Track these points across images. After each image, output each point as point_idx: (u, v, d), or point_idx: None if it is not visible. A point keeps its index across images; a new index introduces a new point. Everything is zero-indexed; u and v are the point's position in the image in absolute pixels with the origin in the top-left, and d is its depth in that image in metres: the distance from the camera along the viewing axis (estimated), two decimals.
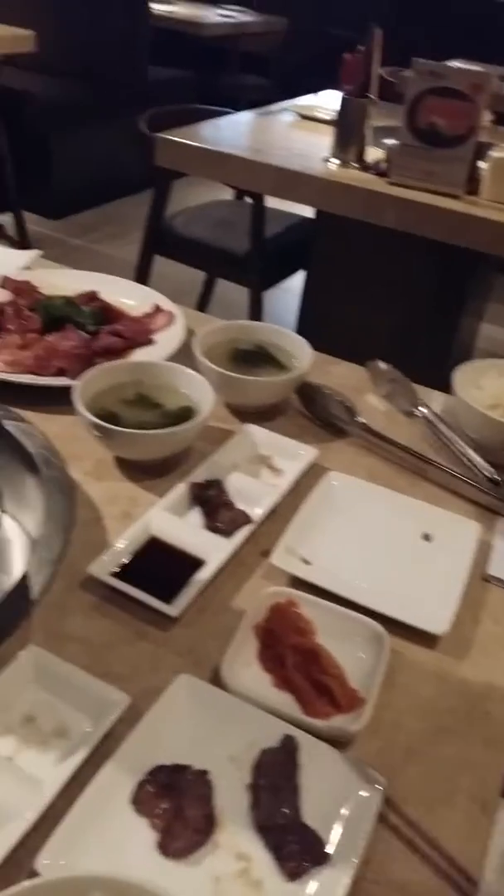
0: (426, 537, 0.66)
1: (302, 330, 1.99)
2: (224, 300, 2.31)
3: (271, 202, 1.81)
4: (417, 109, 1.45)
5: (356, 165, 1.58)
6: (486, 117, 1.52)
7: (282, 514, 0.65)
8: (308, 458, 0.72)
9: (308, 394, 0.81)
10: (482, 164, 1.51)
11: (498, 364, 0.83)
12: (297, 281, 2.00)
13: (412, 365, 0.89)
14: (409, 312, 1.75)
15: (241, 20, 4.34)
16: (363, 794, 0.44)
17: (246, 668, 0.52)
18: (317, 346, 0.89)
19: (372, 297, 1.77)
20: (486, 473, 0.73)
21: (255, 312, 1.89)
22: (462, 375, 0.80)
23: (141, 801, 0.42)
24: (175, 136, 1.63)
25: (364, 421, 0.79)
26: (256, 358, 0.83)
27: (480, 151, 1.49)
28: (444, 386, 0.83)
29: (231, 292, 2.08)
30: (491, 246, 1.47)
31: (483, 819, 0.46)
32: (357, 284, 1.80)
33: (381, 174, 1.54)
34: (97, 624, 0.54)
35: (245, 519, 0.63)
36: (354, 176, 1.55)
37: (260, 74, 4.21)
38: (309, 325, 1.87)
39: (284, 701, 0.50)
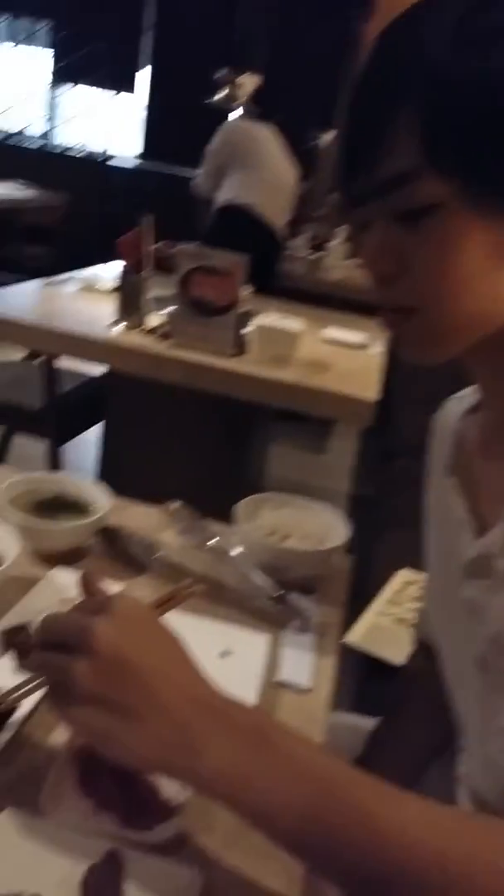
0: (223, 654, 0.76)
1: (102, 477, 2.08)
2: (22, 454, 2.35)
3: (65, 360, 1.95)
4: (187, 284, 1.71)
5: (139, 330, 1.79)
6: (246, 290, 1.83)
7: None
8: None
9: (109, 536, 0.91)
10: (247, 329, 1.80)
11: (271, 497, 1.00)
12: (95, 432, 2.12)
13: (210, 503, 1.02)
14: (202, 456, 1.95)
15: (20, 196, 4.69)
16: (181, 890, 0.50)
17: (65, 798, 0.56)
18: (117, 491, 1.00)
19: (166, 444, 1.95)
20: (270, 592, 0.86)
21: (54, 464, 1.96)
22: (243, 509, 0.95)
23: None
24: None
25: (162, 556, 0.90)
26: (57, 506, 0.91)
27: (243, 319, 1.79)
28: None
29: (29, 446, 2.14)
30: (260, 397, 1.73)
31: (291, 891, 0.54)
32: (151, 434, 1.97)
33: (163, 337, 1.76)
34: None
35: None
36: (138, 339, 1.75)
37: (43, 245, 4.52)
38: (110, 474, 1.98)
39: (106, 820, 0.55)
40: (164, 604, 0.54)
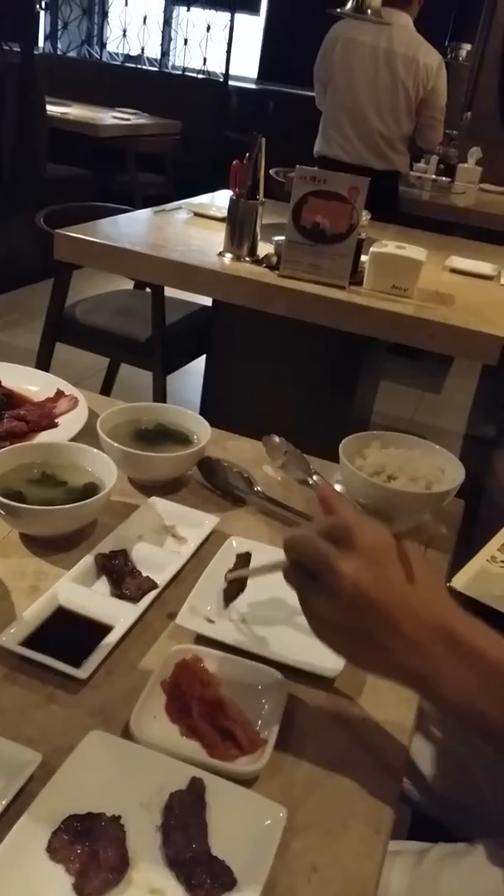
0: None
1: (206, 410, 2.10)
2: (128, 384, 2.40)
3: (171, 291, 1.95)
4: (302, 210, 1.64)
5: (248, 260, 1.75)
6: (365, 216, 1.74)
7: (187, 578, 0.72)
8: (210, 525, 0.80)
9: (208, 467, 0.90)
10: (364, 258, 1.71)
11: (379, 436, 0.95)
12: (199, 364, 2.12)
13: (312, 439, 0.98)
14: (307, 391, 1.91)
15: (135, 122, 4.68)
16: (266, 824, 0.50)
17: (154, 720, 0.57)
18: (220, 424, 0.99)
19: (271, 377, 1.92)
20: None
21: (160, 395, 1.99)
22: (347, 446, 0.91)
23: (56, 849, 0.46)
24: (74, 233, 1.75)
25: (262, 490, 0.88)
26: (158, 436, 0.91)
27: (361, 247, 1.70)
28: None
29: (135, 376, 2.18)
30: (374, 331, 1.65)
31: (377, 839, 0.52)
32: (255, 366, 1.95)
33: (272, 267, 1.71)
34: (7, 692, 0.58)
35: (150, 585, 0.70)
36: (247, 269, 1.71)
37: (156, 173, 4.52)
38: (212, 406, 1.99)
39: (192, 747, 0.56)
40: (411, 535, 0.53)
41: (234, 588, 0.67)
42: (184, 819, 0.49)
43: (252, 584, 0.71)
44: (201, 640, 0.66)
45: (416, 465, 0.90)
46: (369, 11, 2.59)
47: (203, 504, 0.86)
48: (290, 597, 0.70)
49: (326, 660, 0.63)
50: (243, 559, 0.68)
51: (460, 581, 1.19)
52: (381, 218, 2.18)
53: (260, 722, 0.58)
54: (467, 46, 3.79)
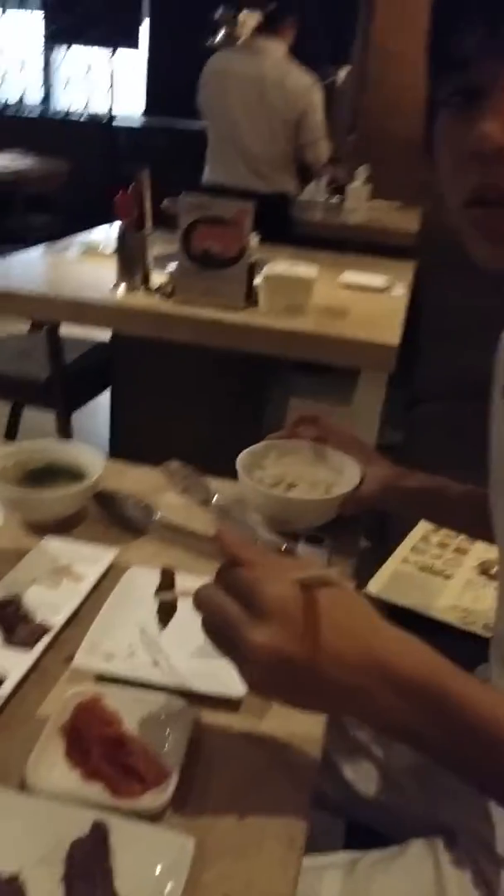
0: None
1: (114, 443, 2.07)
2: (34, 426, 2.36)
3: (69, 330, 1.93)
4: (191, 237, 1.66)
5: (142, 290, 1.75)
6: (254, 239, 1.77)
7: (85, 617, 0.70)
8: (108, 559, 0.78)
9: (105, 499, 0.89)
10: (257, 280, 1.74)
11: (276, 445, 0.96)
12: (106, 398, 2.10)
13: (226, 461, 0.98)
14: (216, 414, 1.92)
15: (20, 167, 4.64)
16: (171, 858, 0.48)
17: (52, 768, 0.55)
18: (131, 455, 0.98)
19: (178, 404, 1.93)
20: (277, 545, 0.84)
21: (64, 434, 1.96)
22: (245, 459, 0.91)
23: None
24: None
25: (164, 516, 0.87)
26: (50, 474, 0.89)
27: (253, 270, 1.73)
28: None
29: (40, 418, 2.14)
30: (275, 349, 1.69)
31: (291, 854, 0.52)
32: (161, 395, 1.95)
33: (168, 296, 1.72)
34: None
35: (44, 629, 0.67)
36: (142, 300, 1.72)
37: (46, 212, 4.49)
38: (122, 438, 1.97)
39: (94, 791, 0.54)
40: (314, 585, 0.51)
41: (166, 608, 0.63)
42: (86, 867, 0.47)
43: (152, 613, 0.70)
44: (102, 678, 0.64)
45: (313, 470, 0.92)
46: (240, 42, 2.68)
47: (102, 538, 0.84)
48: (191, 622, 0.70)
49: (232, 682, 0.62)
50: (168, 577, 0.63)
51: (376, 586, 1.22)
52: (274, 240, 2.23)
53: (167, 753, 0.57)
54: (347, 69, 3.96)
